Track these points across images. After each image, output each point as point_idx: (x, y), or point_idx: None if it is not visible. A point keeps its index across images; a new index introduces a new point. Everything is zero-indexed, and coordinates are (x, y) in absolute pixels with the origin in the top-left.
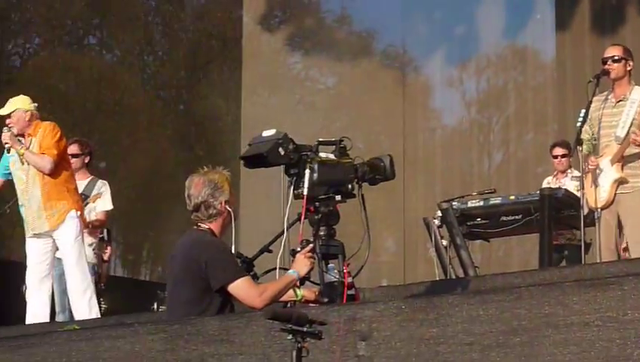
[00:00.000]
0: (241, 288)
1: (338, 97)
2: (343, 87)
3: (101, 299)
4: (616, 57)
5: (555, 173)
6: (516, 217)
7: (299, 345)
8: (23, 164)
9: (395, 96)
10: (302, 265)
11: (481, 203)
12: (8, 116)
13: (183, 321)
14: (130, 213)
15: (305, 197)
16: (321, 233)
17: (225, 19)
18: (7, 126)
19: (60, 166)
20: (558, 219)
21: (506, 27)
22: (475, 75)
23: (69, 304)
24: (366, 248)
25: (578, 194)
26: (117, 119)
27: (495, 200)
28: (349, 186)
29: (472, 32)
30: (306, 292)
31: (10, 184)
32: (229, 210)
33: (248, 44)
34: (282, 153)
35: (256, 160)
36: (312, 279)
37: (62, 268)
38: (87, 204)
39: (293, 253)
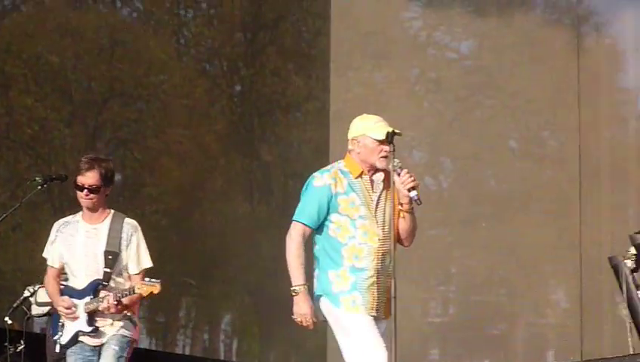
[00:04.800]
0: None
1: (478, 71)
2: (485, 56)
3: None
4: None
5: None
6: None
7: None
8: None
9: (566, 68)
10: None
11: None
12: (390, 142)
13: None
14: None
15: None
16: None
17: None
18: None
19: None
20: None
21: None
22: None
23: None
24: None
25: None
26: (139, 107)
27: None
28: None
29: None
30: None
31: None
32: None
33: None
34: None
35: None
36: None
37: None
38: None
39: None
